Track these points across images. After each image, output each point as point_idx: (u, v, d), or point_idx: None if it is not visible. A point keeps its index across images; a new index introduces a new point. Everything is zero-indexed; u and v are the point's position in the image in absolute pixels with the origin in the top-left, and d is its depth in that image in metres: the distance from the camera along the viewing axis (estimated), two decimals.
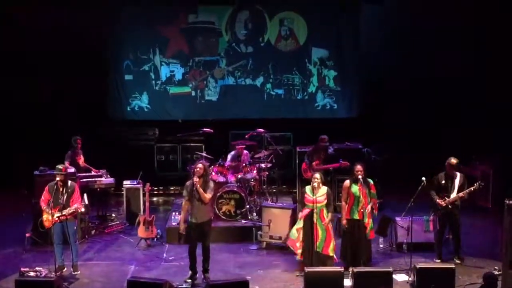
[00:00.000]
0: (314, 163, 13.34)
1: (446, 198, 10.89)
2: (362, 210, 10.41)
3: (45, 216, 10.48)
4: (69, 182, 10.62)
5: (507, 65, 14.87)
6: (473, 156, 14.14)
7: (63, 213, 10.35)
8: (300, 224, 10.57)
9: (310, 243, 10.32)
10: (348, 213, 10.54)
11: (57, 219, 10.37)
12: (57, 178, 10.42)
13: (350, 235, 10.57)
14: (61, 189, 10.44)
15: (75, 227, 10.72)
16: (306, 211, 10.43)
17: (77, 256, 10.79)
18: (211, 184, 10.38)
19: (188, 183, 10.35)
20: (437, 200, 10.91)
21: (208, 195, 10.16)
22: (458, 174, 10.97)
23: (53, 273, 10.24)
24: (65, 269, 10.67)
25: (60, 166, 10.55)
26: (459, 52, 15.57)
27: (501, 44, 15.02)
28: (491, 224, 12.65)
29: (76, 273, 10.65)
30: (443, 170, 11.01)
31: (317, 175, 10.45)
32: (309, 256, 10.34)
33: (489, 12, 14.94)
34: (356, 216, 10.48)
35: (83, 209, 10.77)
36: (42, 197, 10.55)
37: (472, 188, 10.83)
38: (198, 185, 10.07)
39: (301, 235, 10.50)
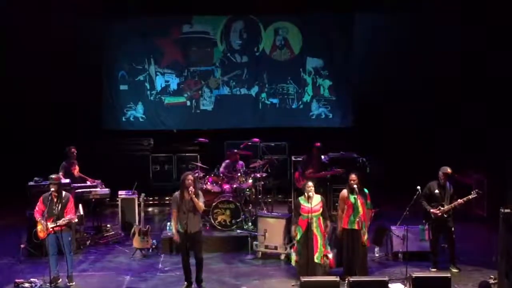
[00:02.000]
0: (307, 171, 13.32)
1: (440, 207, 10.90)
2: (358, 220, 10.38)
3: (39, 227, 10.45)
4: (63, 192, 10.58)
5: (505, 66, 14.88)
6: (468, 165, 14.16)
7: (58, 224, 10.32)
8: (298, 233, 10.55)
9: (306, 253, 10.28)
10: (346, 223, 10.48)
11: (51, 229, 10.34)
12: (52, 189, 10.39)
13: (347, 245, 10.54)
14: (55, 200, 10.40)
15: (69, 238, 10.67)
16: (304, 222, 10.38)
17: (72, 267, 10.74)
18: (201, 193, 10.40)
19: (176, 194, 10.33)
20: (431, 210, 10.92)
21: (201, 204, 10.18)
22: (447, 182, 11.02)
23: (48, 284, 10.22)
24: (60, 280, 10.61)
25: (52, 176, 10.52)
26: (455, 58, 15.60)
27: (498, 46, 15.02)
28: (487, 232, 12.66)
29: (71, 284, 10.59)
30: (436, 178, 11.04)
31: (310, 183, 10.40)
32: (305, 266, 10.29)
33: (488, 12, 14.92)
34: (354, 226, 10.41)
35: (76, 220, 10.75)
36: (37, 208, 10.51)
37: (470, 197, 10.84)
38: (194, 195, 10.07)
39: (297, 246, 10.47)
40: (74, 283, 10.62)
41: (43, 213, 10.33)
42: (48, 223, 10.29)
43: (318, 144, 13.52)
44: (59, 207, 10.37)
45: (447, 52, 15.67)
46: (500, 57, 14.32)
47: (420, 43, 15.91)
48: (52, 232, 10.35)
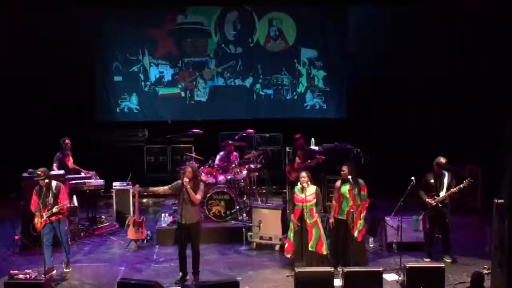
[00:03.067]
0: (295, 163, 13.31)
1: (435, 197, 10.94)
2: (352, 210, 10.39)
3: (36, 220, 10.50)
4: (54, 183, 10.60)
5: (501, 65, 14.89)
6: (462, 156, 14.17)
7: (53, 211, 10.33)
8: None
9: (300, 243, 10.32)
10: (337, 212, 10.56)
11: (47, 219, 10.36)
12: (41, 183, 10.40)
13: (337, 234, 10.58)
14: (47, 192, 10.42)
15: (66, 227, 10.73)
16: (297, 211, 10.43)
17: (69, 253, 10.86)
18: (201, 186, 10.38)
19: (179, 181, 10.39)
20: (427, 199, 10.96)
21: (198, 196, 10.18)
22: (446, 172, 11.03)
23: (43, 276, 10.22)
24: (55, 271, 10.64)
25: (38, 171, 10.49)
26: (446, 52, 15.61)
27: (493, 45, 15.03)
28: (481, 223, 12.70)
29: (68, 270, 10.68)
30: (432, 169, 11.06)
31: (304, 174, 10.44)
32: (300, 256, 10.33)
33: (478, 13, 14.93)
34: (343, 216, 10.47)
35: (68, 204, 10.79)
36: (32, 201, 10.54)
37: (462, 186, 10.87)
38: (188, 186, 10.08)
39: (291, 236, 10.52)
40: (71, 269, 10.71)
41: (38, 205, 10.36)
42: (43, 214, 10.30)
43: (297, 135, 13.49)
44: (52, 197, 10.42)
45: (443, 45, 15.67)
46: (499, 56, 14.38)
47: (414, 35, 15.88)
48: (48, 221, 10.39)
